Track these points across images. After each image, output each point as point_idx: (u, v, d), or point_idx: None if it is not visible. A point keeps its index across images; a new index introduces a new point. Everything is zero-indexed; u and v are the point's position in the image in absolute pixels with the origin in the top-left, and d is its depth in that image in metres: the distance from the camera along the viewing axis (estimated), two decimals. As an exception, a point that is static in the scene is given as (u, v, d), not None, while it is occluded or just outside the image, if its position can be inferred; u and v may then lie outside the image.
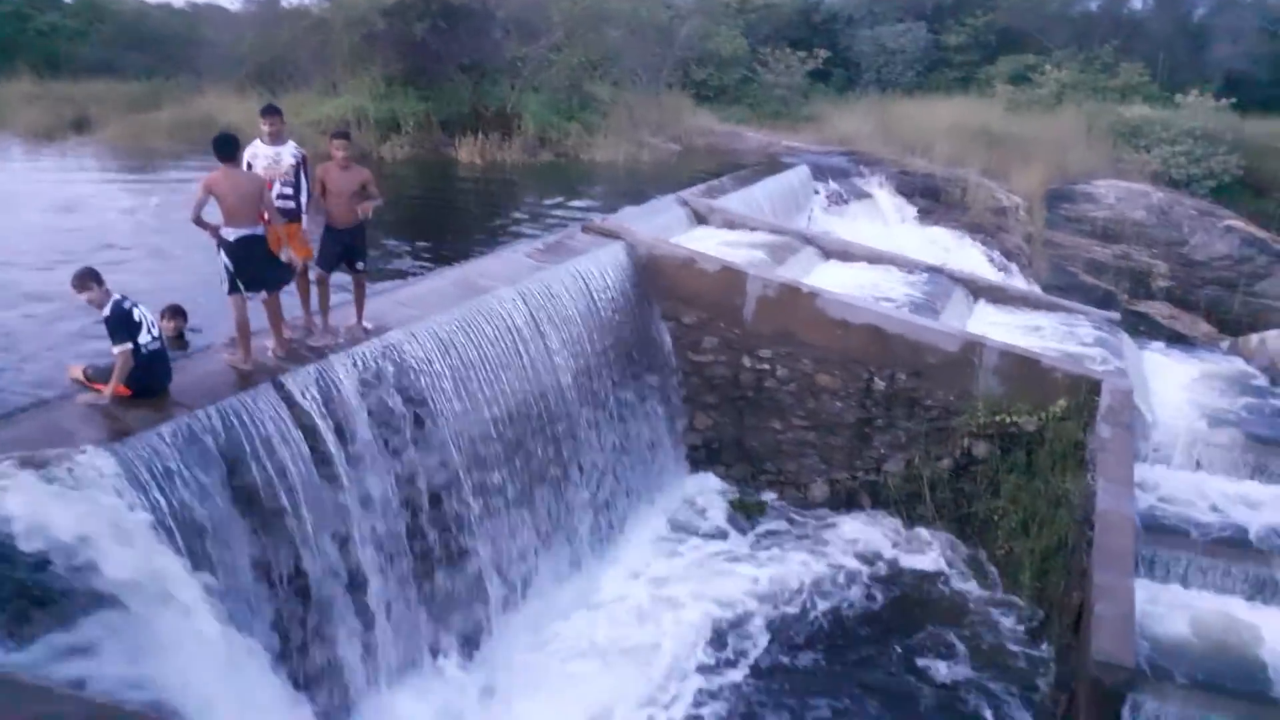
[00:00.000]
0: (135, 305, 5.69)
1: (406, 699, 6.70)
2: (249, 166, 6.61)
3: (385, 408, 6.96)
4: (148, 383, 5.72)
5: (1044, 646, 8.10)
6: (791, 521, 10.04)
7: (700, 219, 13.76)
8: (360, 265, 7.20)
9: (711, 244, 12.28)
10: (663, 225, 12.48)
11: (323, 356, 6.77)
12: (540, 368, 8.76)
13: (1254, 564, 7.62)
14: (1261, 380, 10.89)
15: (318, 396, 6.45)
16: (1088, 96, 23.88)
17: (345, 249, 7.06)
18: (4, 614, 4.37)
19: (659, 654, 7.77)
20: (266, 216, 6.31)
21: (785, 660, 7.86)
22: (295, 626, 5.99)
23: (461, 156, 18.45)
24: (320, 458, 6.30)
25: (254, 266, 6.25)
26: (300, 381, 6.41)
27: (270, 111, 6.83)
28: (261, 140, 6.72)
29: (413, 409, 7.20)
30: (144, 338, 5.62)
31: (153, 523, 4.96)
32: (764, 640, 8.05)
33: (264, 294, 6.44)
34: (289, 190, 6.73)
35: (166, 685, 4.47)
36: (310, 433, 6.28)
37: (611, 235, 11.07)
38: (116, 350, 5.53)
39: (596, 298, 9.88)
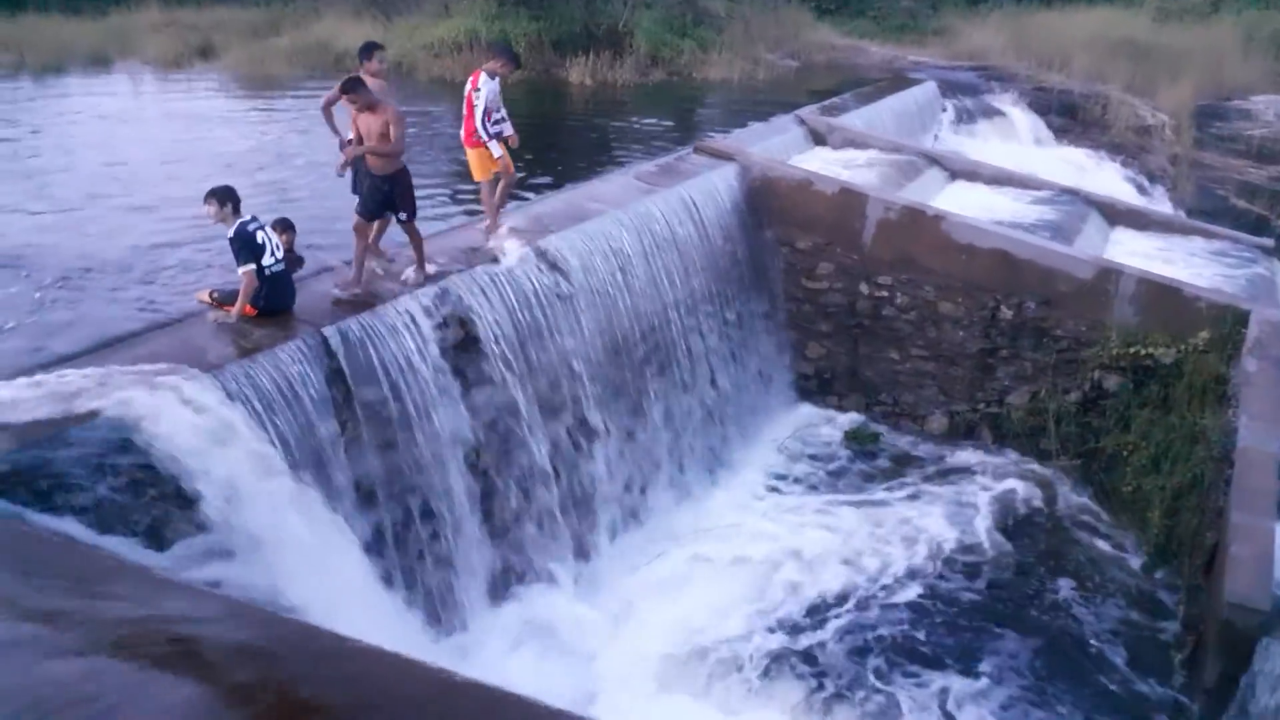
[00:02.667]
0: (261, 227, 5.87)
1: (519, 610, 6.90)
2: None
3: (504, 328, 7.09)
4: (273, 302, 5.94)
5: (1172, 587, 7.76)
6: (909, 453, 9.79)
7: (819, 138, 13.32)
8: (403, 216, 6.71)
9: (830, 164, 11.90)
10: (779, 145, 12.14)
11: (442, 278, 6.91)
12: (649, 294, 8.71)
13: None
14: None
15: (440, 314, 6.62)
16: (1247, 4, 21.91)
17: (385, 197, 6.63)
18: (148, 518, 4.66)
19: (777, 571, 7.77)
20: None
21: (903, 590, 7.73)
22: (412, 542, 6.21)
23: (572, 78, 18.27)
24: (444, 376, 6.47)
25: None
26: (423, 301, 6.57)
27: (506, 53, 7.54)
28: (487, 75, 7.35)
29: (522, 334, 7.30)
30: (268, 260, 5.82)
31: (273, 438, 5.19)
32: (879, 567, 7.94)
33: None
34: (496, 114, 7.36)
35: (285, 590, 4.70)
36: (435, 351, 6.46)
37: (724, 156, 10.83)
38: (241, 271, 5.75)
39: (707, 222, 9.72)
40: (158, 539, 4.64)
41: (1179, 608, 7.49)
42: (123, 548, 4.33)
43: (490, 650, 6.45)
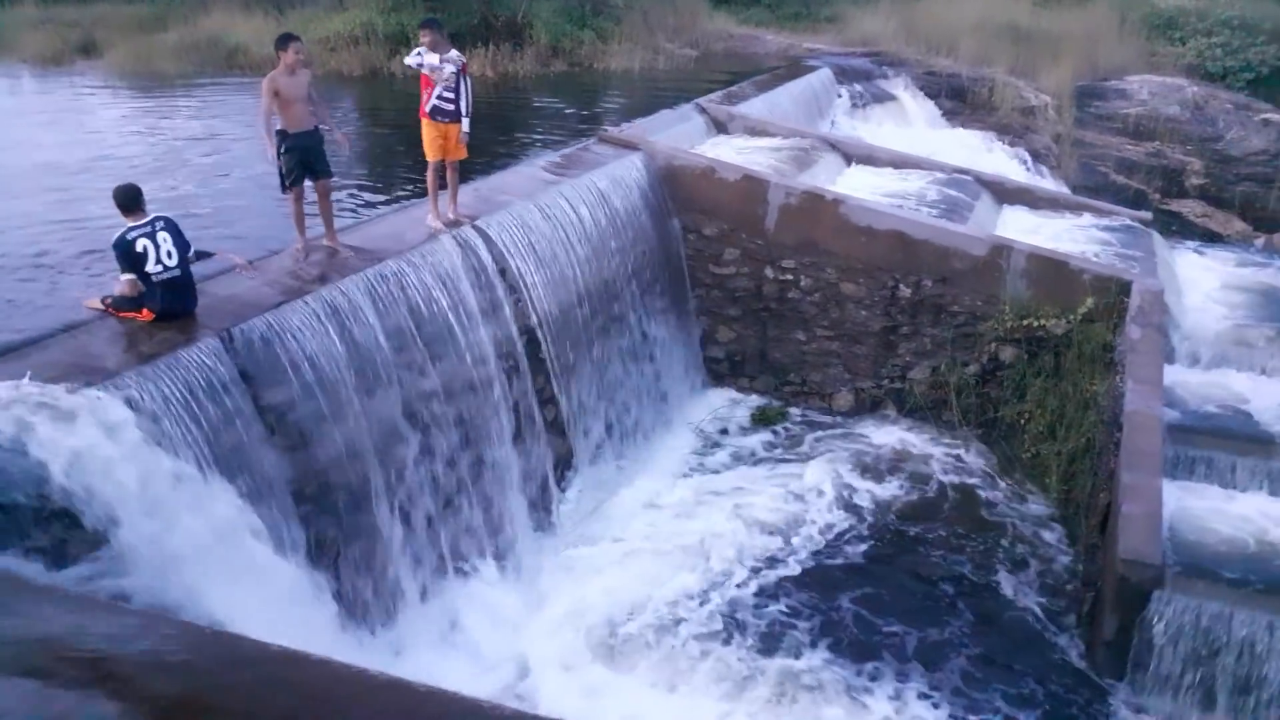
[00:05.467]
0: (148, 235, 5.71)
1: (445, 603, 6.86)
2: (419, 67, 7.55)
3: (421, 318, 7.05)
4: (170, 306, 5.78)
5: (1070, 546, 8.16)
6: (816, 430, 10.06)
7: (720, 126, 13.48)
8: (323, 169, 7.05)
9: (732, 152, 12.07)
10: (681, 134, 12.25)
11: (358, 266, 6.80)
12: (563, 283, 8.72)
13: (1269, 459, 7.58)
14: (1300, 275, 10.68)
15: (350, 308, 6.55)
16: (1120, -13, 22.89)
17: (304, 154, 6.90)
18: (48, 535, 4.48)
19: (695, 550, 7.92)
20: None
21: (817, 558, 7.96)
22: (334, 542, 6.11)
23: (472, 69, 18.00)
24: (353, 372, 6.39)
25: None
26: (336, 295, 6.48)
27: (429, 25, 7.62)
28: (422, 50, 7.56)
29: (439, 324, 7.24)
30: (153, 267, 5.68)
31: (179, 445, 5.05)
32: (793, 539, 8.15)
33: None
34: (450, 94, 7.54)
35: (198, 598, 4.59)
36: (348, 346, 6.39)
37: (629, 146, 10.88)
38: (121, 279, 5.68)
39: (615, 212, 9.76)
40: (60, 556, 4.46)
41: (1078, 566, 7.88)
42: (24, 567, 4.16)
43: (418, 646, 6.40)
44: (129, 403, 4.93)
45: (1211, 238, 14.51)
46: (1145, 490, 7.04)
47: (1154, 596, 6.40)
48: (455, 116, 7.61)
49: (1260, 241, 13.55)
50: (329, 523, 6.09)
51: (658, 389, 10.01)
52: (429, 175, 7.87)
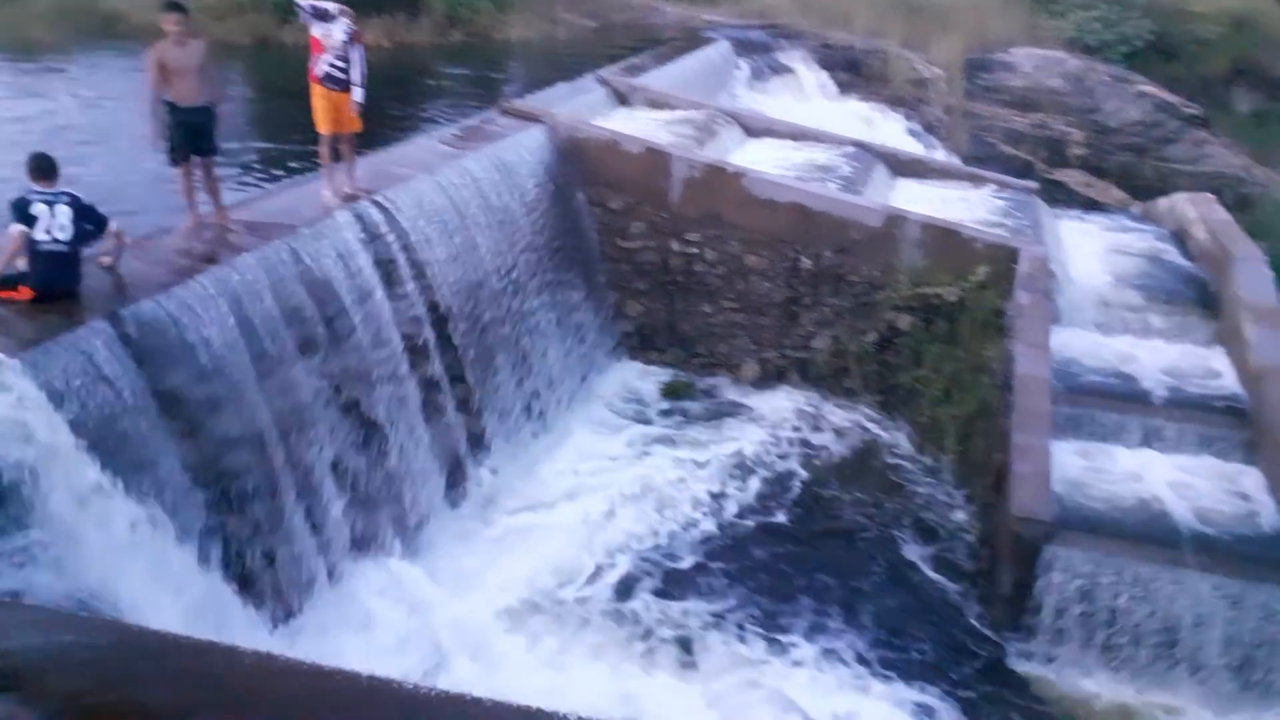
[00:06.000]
0: (47, 203, 5.45)
1: (356, 585, 6.76)
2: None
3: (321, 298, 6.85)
4: (50, 283, 5.50)
5: (968, 505, 8.49)
6: (724, 400, 10.21)
7: (622, 99, 13.43)
8: (209, 148, 6.78)
9: (635, 124, 12.04)
10: (583, 106, 12.15)
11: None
12: (465, 258, 8.60)
13: (1159, 417, 8.04)
14: (1168, 243, 11.26)
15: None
16: (1005, -38, 23.54)
17: (192, 130, 6.61)
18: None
19: (605, 522, 7.99)
20: None
21: (722, 526, 8.13)
22: (238, 528, 5.94)
23: (366, 39, 17.50)
24: (246, 354, 6.18)
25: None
26: (224, 275, 6.23)
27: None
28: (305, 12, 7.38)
29: (338, 304, 7.06)
30: (40, 234, 5.41)
31: (69, 432, 4.81)
32: (704, 512, 8.28)
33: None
34: (340, 63, 7.33)
35: (96, 590, 4.42)
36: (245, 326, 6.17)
37: (531, 118, 10.75)
38: (10, 229, 5.44)
39: (519, 185, 9.66)
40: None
41: (976, 524, 8.22)
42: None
43: (330, 631, 6.29)
44: (8, 388, 4.67)
45: (1093, 205, 15.16)
46: (1035, 450, 7.39)
47: (1045, 551, 6.73)
48: (346, 86, 7.40)
49: (1137, 209, 14.21)
50: (231, 511, 5.91)
51: (569, 364, 9.99)
52: (321, 148, 7.64)
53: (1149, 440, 7.93)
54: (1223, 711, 6.46)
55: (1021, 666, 6.80)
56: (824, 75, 18.46)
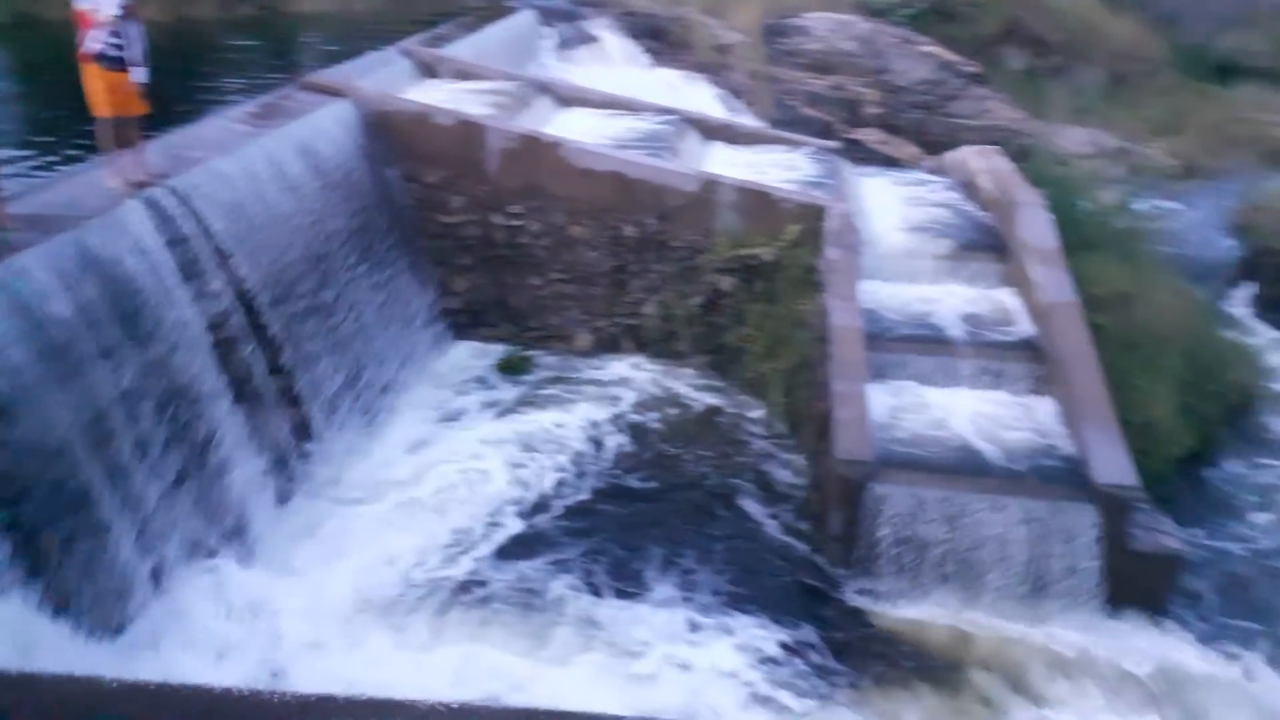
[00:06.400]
0: None
1: (185, 593, 6.39)
2: None
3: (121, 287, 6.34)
4: None
5: (797, 454, 8.88)
6: (560, 372, 10.24)
7: (429, 70, 13.07)
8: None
9: (445, 96, 11.75)
10: (388, 79, 11.76)
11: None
12: (272, 243, 8.19)
13: (961, 357, 8.65)
14: (958, 193, 12.04)
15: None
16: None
17: None
18: None
19: (447, 505, 7.89)
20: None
21: (565, 492, 8.21)
22: (42, 543, 5.48)
23: (145, 13, 16.24)
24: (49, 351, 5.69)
25: None
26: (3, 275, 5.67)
27: None
28: None
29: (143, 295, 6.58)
30: None
31: None
32: (548, 481, 8.32)
33: None
34: (115, 40, 6.82)
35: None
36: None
37: (334, 92, 10.31)
38: None
39: (324, 162, 9.25)
40: None
41: (806, 471, 8.62)
42: None
43: (163, 641, 5.94)
44: None
45: (890, 162, 16.01)
46: (854, 396, 7.83)
47: (869, 489, 7.16)
48: (123, 65, 6.89)
49: (929, 163, 15.11)
50: (39, 526, 5.44)
51: (398, 346, 9.72)
52: (101, 133, 7.07)
53: (954, 379, 8.52)
54: (1028, 620, 7.06)
55: (856, 600, 7.23)
56: (630, 43, 18.60)
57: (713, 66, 18.26)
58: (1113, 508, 7.00)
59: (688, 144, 12.34)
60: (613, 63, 18.04)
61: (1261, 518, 8.41)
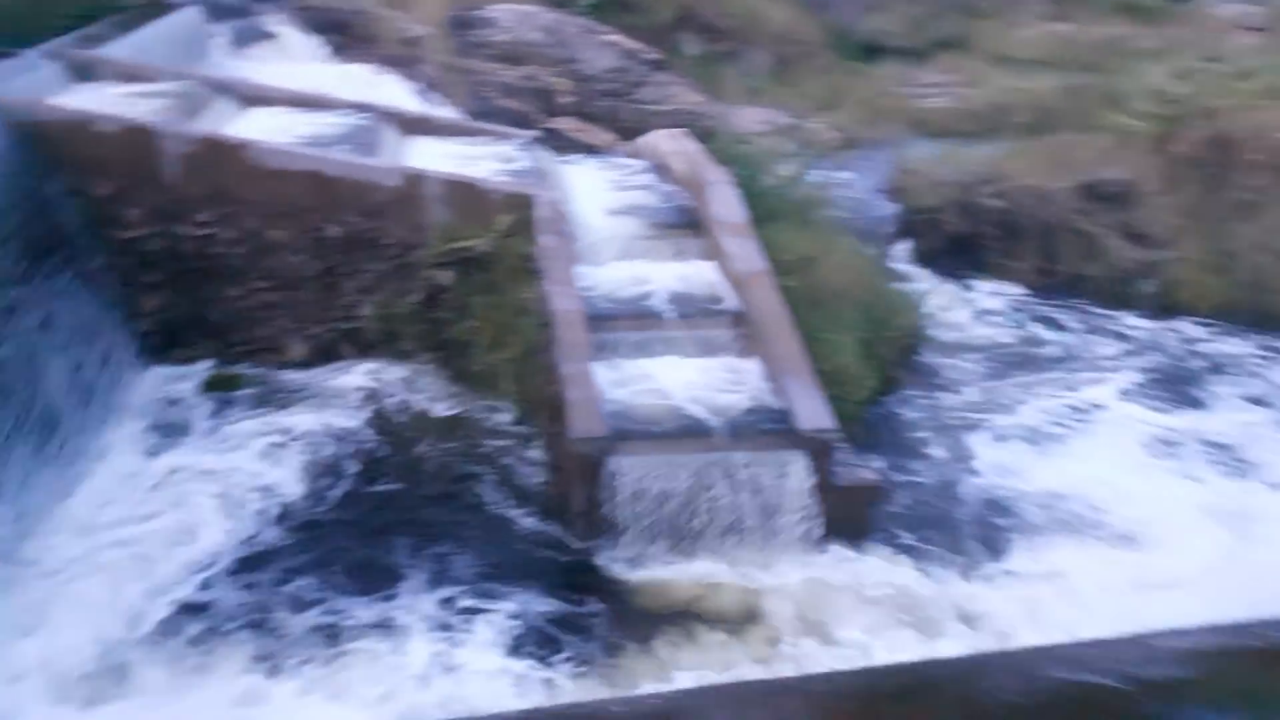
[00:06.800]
0: None
1: None
2: None
3: None
4: None
5: (536, 440, 9.04)
6: (275, 386, 9.70)
7: (84, 73, 11.80)
8: None
9: (107, 100, 10.69)
10: (33, 84, 10.50)
11: None
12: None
13: (674, 330, 9.18)
14: (654, 175, 12.68)
15: None
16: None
17: None
18: None
19: (170, 543, 7.37)
20: None
21: (294, 511, 7.87)
22: None
23: None
24: None
25: None
26: None
27: None
28: None
29: None
30: None
31: None
32: (269, 501, 7.93)
33: None
34: None
35: None
36: None
37: (-32, 103, 9.07)
38: None
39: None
40: None
41: (546, 455, 8.80)
42: None
43: None
44: None
45: (589, 149, 16.52)
46: (582, 376, 8.10)
47: (606, 463, 7.47)
48: None
49: (624, 148, 15.75)
50: None
51: (82, 380, 8.76)
52: None
53: (671, 351, 9.02)
54: (761, 564, 7.69)
55: (607, 570, 7.52)
56: (312, 38, 17.81)
57: (402, 60, 17.90)
58: (817, 450, 7.76)
59: (387, 139, 12.06)
60: (295, 59, 17.19)
61: (937, 445, 9.60)
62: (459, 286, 9.89)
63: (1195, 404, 10.41)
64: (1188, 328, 12.01)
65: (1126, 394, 10.54)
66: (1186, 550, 7.79)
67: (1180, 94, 13.42)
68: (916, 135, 17.83)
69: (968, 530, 8.34)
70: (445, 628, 6.80)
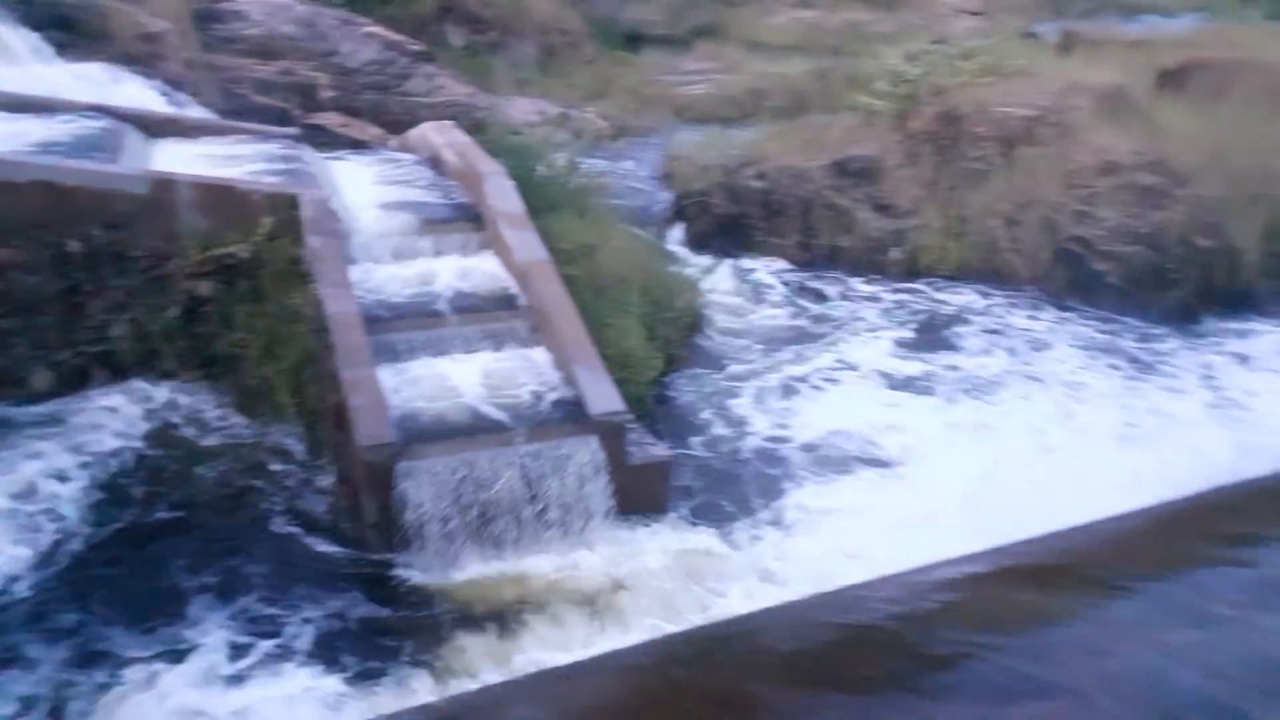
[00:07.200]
0: None
1: None
2: None
3: None
4: None
5: (321, 452, 8.68)
6: (16, 423, 8.75)
7: None
8: None
9: None
10: None
11: None
12: None
13: (460, 325, 9.09)
14: (427, 169, 12.45)
15: None
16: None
17: None
18: None
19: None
20: None
21: (53, 558, 7.18)
22: None
23: None
24: None
25: None
26: None
27: None
28: None
29: None
30: None
31: None
32: (28, 551, 7.19)
33: None
34: None
35: None
36: None
37: None
38: None
39: None
40: None
41: (332, 466, 8.46)
42: None
43: None
44: None
45: (357, 145, 15.94)
46: (364, 381, 7.85)
47: (397, 469, 7.29)
48: None
49: (394, 142, 15.32)
50: None
51: None
52: None
53: (458, 347, 8.92)
54: (564, 550, 7.77)
55: (407, 580, 7.35)
56: (32, 36, 16.13)
57: (142, 58, 16.55)
58: (610, 433, 7.93)
59: (130, 143, 11.15)
60: (14, 59, 15.52)
61: (721, 415, 10.04)
62: (223, 297, 9.31)
63: (946, 348, 11.61)
64: (932, 289, 13.15)
65: (886, 348, 11.56)
66: (946, 465, 8.77)
67: (913, 75, 14.59)
68: (682, 121, 18.46)
69: (754, 489, 8.82)
70: (236, 651, 6.44)
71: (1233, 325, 12.30)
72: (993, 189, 13.30)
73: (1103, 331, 12.06)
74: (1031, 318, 12.38)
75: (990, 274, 13.25)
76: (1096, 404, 10.20)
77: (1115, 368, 11.18)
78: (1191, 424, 9.66)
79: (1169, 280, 12.35)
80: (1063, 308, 12.62)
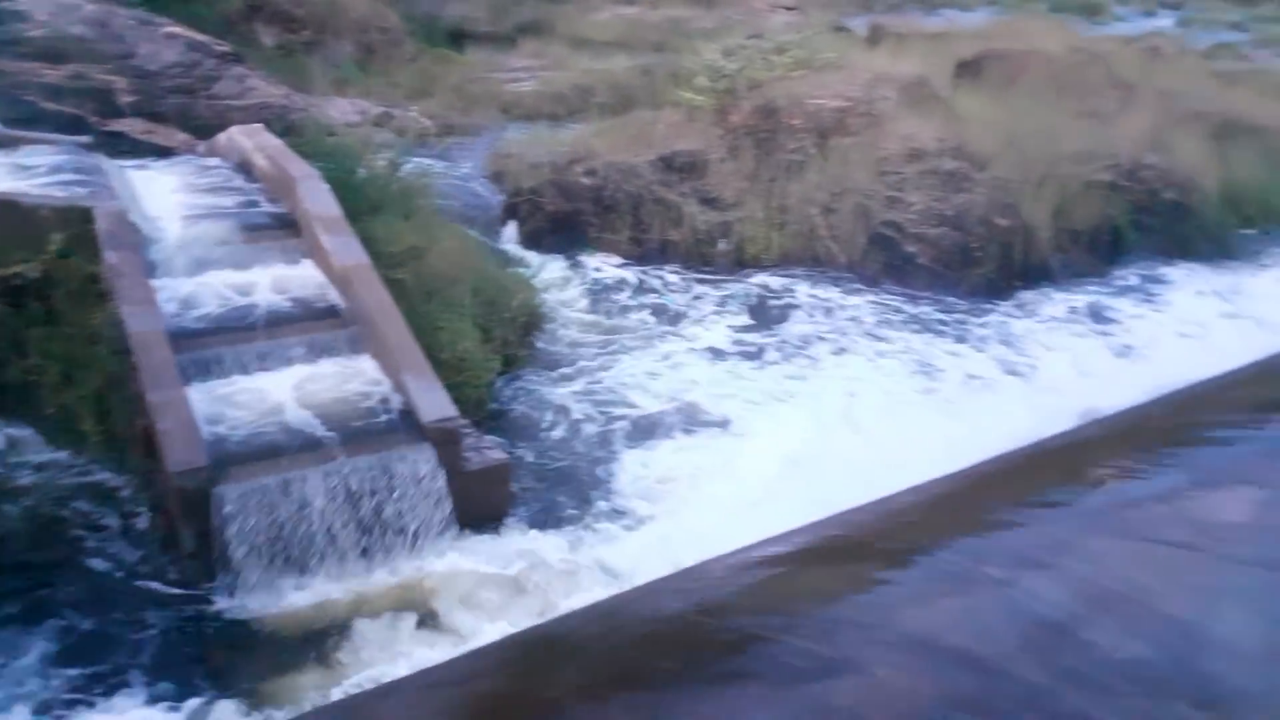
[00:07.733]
0: None
1: None
2: None
3: None
4: None
5: (129, 482, 8.13)
6: None
7: None
8: None
9: None
10: None
11: None
12: None
13: (278, 338, 8.69)
14: (238, 175, 11.87)
15: None
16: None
17: None
18: None
19: None
20: None
21: None
22: None
23: None
24: None
25: None
26: None
27: None
28: None
29: None
30: None
31: None
32: None
33: None
34: None
35: None
36: None
37: None
38: None
39: None
40: None
41: (143, 496, 7.94)
42: None
43: None
44: None
45: (162, 152, 15.01)
46: (173, 403, 7.40)
47: (214, 495, 6.91)
48: None
49: (202, 147, 14.51)
50: None
51: None
52: None
53: (278, 361, 8.54)
54: (400, 567, 7.56)
55: (230, 612, 6.97)
56: None
57: (-97, 62, 15.07)
58: (444, 440, 7.77)
59: (-111, 159, 10.15)
60: None
61: (560, 414, 10.03)
62: (10, 320, 8.58)
63: (771, 331, 12.21)
64: (759, 276, 13.56)
65: (720, 335, 12.00)
66: (773, 427, 9.51)
67: (730, 70, 14.96)
68: (509, 119, 18.30)
69: (593, 484, 8.85)
70: (42, 702, 5.96)
71: (1029, 295, 13.26)
72: (810, 179, 13.80)
73: (915, 308, 12.81)
74: (849, 298, 13.00)
75: (812, 261, 13.77)
76: (907, 371, 11.22)
77: (927, 339, 11.94)
78: (990, 384, 10.92)
79: (973, 258, 13.16)
80: (879, 289, 13.27)
